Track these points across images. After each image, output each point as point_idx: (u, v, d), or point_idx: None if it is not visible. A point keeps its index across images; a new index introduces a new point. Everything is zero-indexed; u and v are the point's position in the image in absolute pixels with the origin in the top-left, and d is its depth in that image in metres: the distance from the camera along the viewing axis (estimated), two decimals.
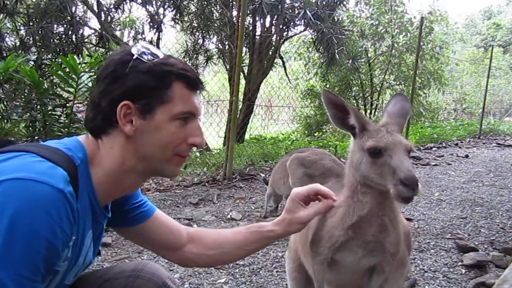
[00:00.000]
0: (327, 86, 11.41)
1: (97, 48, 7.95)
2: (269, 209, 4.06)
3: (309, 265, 1.58)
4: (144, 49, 1.03)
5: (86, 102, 5.22)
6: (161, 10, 7.95)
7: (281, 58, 9.63)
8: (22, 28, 7.16)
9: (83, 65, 3.92)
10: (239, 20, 5.03)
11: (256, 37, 8.51)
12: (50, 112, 4.05)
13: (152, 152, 1.04)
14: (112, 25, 7.95)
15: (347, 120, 1.36)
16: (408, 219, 3.66)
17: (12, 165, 0.86)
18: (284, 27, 8.51)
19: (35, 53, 6.98)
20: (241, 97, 7.57)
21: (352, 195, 1.36)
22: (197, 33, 8.54)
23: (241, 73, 6.99)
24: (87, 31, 7.75)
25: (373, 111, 11.89)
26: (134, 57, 1.01)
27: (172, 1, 7.61)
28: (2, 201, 0.79)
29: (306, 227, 1.55)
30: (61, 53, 6.50)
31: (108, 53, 7.96)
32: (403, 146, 1.25)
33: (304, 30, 8.80)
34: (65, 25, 7.12)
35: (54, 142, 1.02)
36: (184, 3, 7.82)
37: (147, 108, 1.01)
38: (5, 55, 6.40)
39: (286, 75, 9.97)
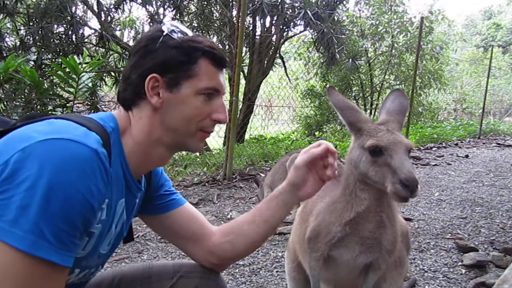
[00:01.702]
0: (327, 86, 11.40)
1: (97, 48, 7.96)
2: None
3: (307, 263, 1.58)
4: (174, 27, 1.08)
5: (86, 102, 5.24)
6: (161, 10, 7.97)
7: (281, 58, 9.63)
8: (22, 28, 7.17)
9: (84, 65, 3.93)
10: (239, 20, 5.03)
11: (256, 37, 8.51)
12: (50, 112, 4.05)
13: (177, 125, 1.08)
14: (112, 25, 7.95)
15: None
16: (407, 219, 3.67)
17: (49, 127, 0.91)
18: (284, 27, 8.51)
19: (35, 53, 6.99)
20: (241, 97, 7.57)
21: (350, 191, 1.36)
22: (197, 33, 8.54)
23: (241, 73, 7.00)
24: (87, 31, 7.77)
25: (373, 111, 11.89)
26: (164, 33, 1.06)
27: (172, 1, 7.61)
28: (41, 159, 0.83)
29: (304, 225, 1.54)
30: (61, 53, 6.51)
31: (108, 53, 7.98)
32: (404, 146, 1.24)
33: (304, 30, 8.81)
34: (65, 25, 7.13)
35: (88, 115, 1.07)
36: (184, 3, 7.83)
37: (174, 81, 1.06)
38: (5, 55, 6.41)
39: (287, 75, 9.97)
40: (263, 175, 5.46)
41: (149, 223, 1.38)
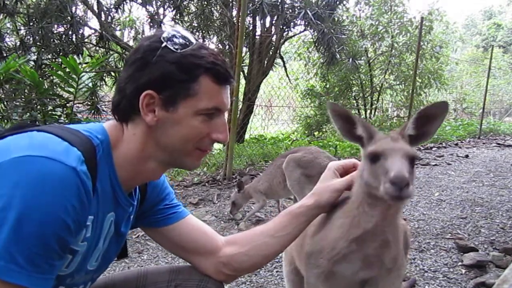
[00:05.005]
0: (327, 86, 11.41)
1: (97, 48, 7.96)
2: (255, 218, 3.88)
3: (305, 277, 1.56)
4: (175, 32, 1.00)
5: (86, 102, 5.25)
6: (161, 10, 7.97)
7: (281, 58, 9.63)
8: (22, 28, 7.17)
9: (84, 65, 3.93)
10: (239, 20, 5.03)
11: (256, 37, 8.51)
12: (50, 112, 4.05)
13: (172, 144, 1.02)
14: (112, 25, 7.95)
15: (354, 130, 1.33)
16: (406, 219, 3.67)
17: (29, 142, 0.87)
18: (284, 27, 8.51)
19: (35, 53, 6.99)
20: (241, 97, 7.57)
21: (357, 205, 1.32)
22: (197, 33, 8.55)
23: (241, 73, 7.00)
24: (87, 31, 7.77)
25: (373, 111, 11.89)
26: (163, 44, 0.98)
27: (172, 1, 7.61)
28: (15, 178, 0.79)
29: (303, 235, 1.53)
30: (61, 53, 6.51)
31: (108, 53, 7.98)
32: (403, 152, 1.21)
33: (305, 30, 8.81)
34: (65, 25, 7.13)
35: (75, 125, 1.02)
36: (184, 3, 7.83)
37: (171, 100, 0.98)
38: (5, 55, 6.42)
39: (287, 75, 9.97)
40: None
41: (152, 236, 1.33)
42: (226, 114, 1.13)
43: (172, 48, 0.98)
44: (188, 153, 1.05)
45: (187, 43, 1.00)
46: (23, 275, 0.79)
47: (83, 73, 3.91)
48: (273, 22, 8.43)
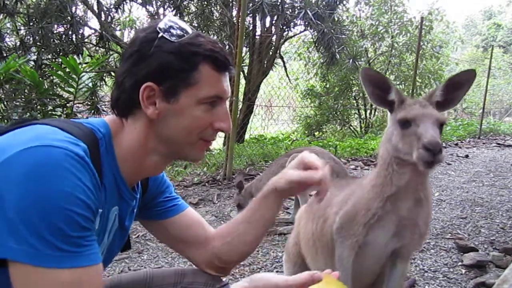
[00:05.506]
0: (327, 86, 11.40)
1: (97, 48, 7.96)
2: None
3: (315, 263, 1.55)
4: (172, 23, 0.99)
5: (86, 102, 5.24)
6: (161, 10, 7.97)
7: (281, 58, 9.63)
8: (22, 28, 7.17)
9: (84, 65, 3.94)
10: (239, 20, 5.03)
11: (256, 37, 8.51)
12: (50, 112, 4.06)
13: (175, 136, 1.01)
14: (112, 25, 7.95)
15: (385, 96, 1.38)
16: None
17: (31, 135, 0.86)
18: (284, 27, 8.52)
19: (35, 53, 6.99)
20: (241, 97, 7.57)
21: (386, 167, 1.35)
22: (197, 32, 8.54)
23: (241, 73, 7.00)
24: (87, 31, 7.77)
25: (373, 111, 11.88)
26: (160, 35, 0.96)
27: (172, 1, 7.61)
28: (24, 171, 0.78)
29: (319, 220, 1.52)
30: (61, 53, 6.51)
31: (108, 53, 7.98)
32: (433, 117, 1.25)
33: (305, 30, 8.81)
34: (65, 25, 7.12)
35: (77, 119, 1.02)
36: (184, 3, 7.83)
37: (172, 91, 0.97)
38: (5, 55, 6.42)
39: (287, 75, 9.97)
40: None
41: (149, 228, 1.33)
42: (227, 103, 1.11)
43: (169, 38, 0.96)
44: (192, 144, 1.04)
45: (184, 33, 0.99)
46: (72, 257, 0.79)
47: (83, 73, 3.92)
48: (273, 22, 8.43)
